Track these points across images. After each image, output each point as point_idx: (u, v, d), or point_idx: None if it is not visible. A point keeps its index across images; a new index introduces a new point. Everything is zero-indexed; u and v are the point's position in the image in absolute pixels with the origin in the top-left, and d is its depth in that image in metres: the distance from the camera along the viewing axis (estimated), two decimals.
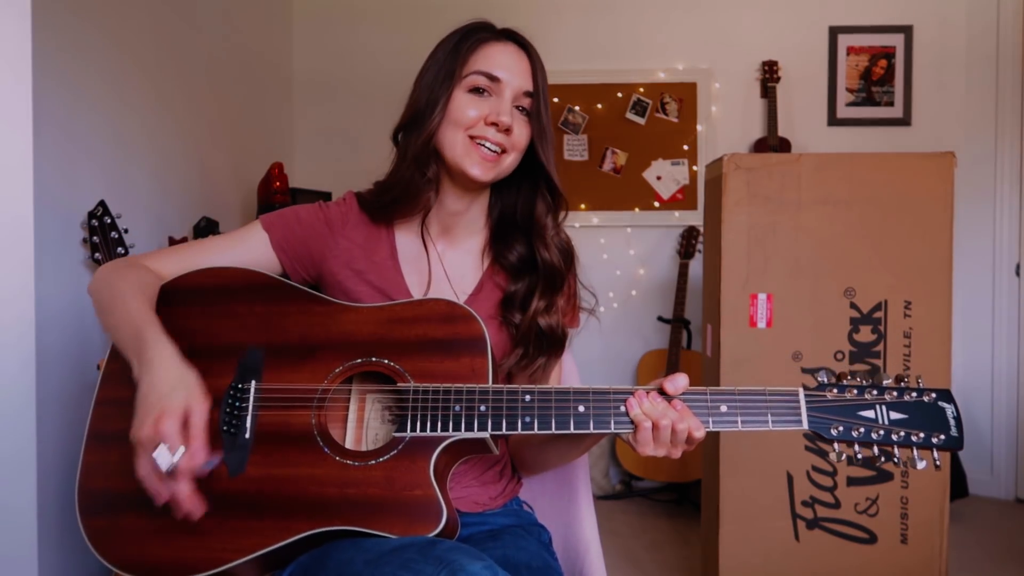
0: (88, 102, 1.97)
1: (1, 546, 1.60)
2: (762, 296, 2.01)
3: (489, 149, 1.12)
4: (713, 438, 2.09)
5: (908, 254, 1.99)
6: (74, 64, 1.90)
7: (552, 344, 1.16)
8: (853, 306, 2.00)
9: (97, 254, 1.86)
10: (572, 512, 1.33)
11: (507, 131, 1.12)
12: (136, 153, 2.21)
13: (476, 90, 1.13)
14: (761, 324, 2.01)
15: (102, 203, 1.89)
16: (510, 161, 1.15)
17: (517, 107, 1.14)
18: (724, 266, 2.02)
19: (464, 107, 1.12)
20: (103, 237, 1.87)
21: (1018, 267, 3.32)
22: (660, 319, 3.44)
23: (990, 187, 3.37)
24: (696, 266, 3.31)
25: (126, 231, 1.91)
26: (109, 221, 1.89)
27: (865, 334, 2.00)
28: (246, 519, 0.99)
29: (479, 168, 1.12)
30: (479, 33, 1.15)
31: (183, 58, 2.51)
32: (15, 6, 1.59)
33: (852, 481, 2.01)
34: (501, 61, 1.13)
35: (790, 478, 2.02)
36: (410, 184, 1.15)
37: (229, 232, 1.23)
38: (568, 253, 1.20)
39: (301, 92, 3.61)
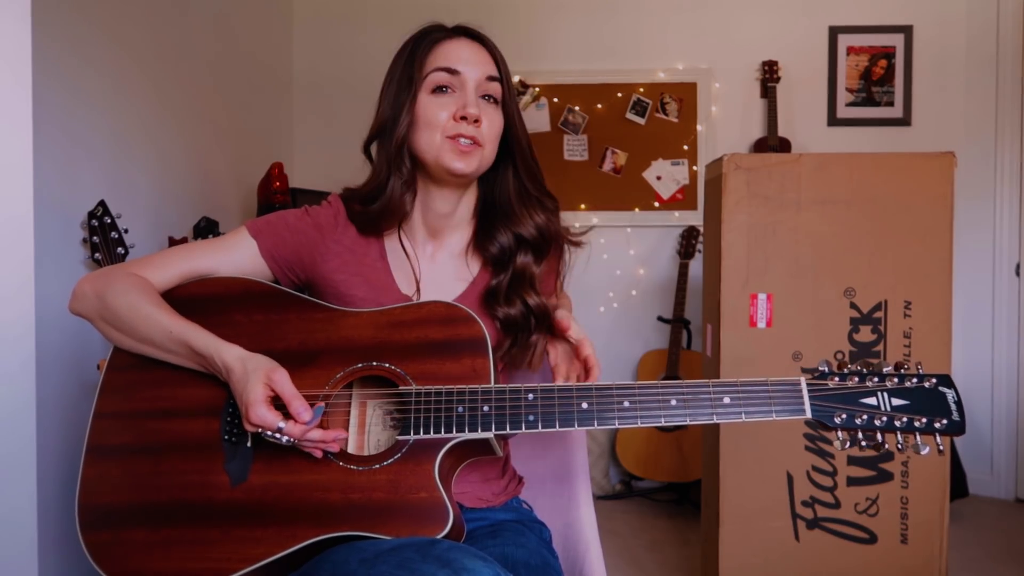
0: (88, 102, 1.97)
1: (0, 547, 1.60)
2: (762, 296, 2.01)
3: (464, 142, 1.11)
4: (713, 439, 2.09)
5: (908, 254, 1.99)
6: (74, 64, 1.90)
7: (542, 321, 1.16)
8: (853, 306, 2.00)
9: (97, 254, 1.86)
10: (572, 512, 1.33)
11: (476, 122, 1.11)
12: (136, 153, 2.21)
13: (439, 88, 1.12)
14: (761, 324, 2.01)
15: (102, 203, 1.89)
16: (488, 151, 1.14)
17: (484, 96, 1.13)
18: (724, 266, 2.02)
19: (432, 108, 1.11)
20: (103, 237, 1.87)
21: (1018, 267, 3.32)
22: (660, 319, 3.44)
23: (990, 187, 3.37)
24: (696, 266, 3.31)
25: (126, 231, 1.91)
26: (109, 221, 1.89)
27: (865, 334, 2.00)
28: (251, 528, 0.99)
29: (461, 162, 1.11)
30: (432, 34, 1.15)
31: (183, 58, 2.51)
32: (15, 6, 1.58)
33: (852, 481, 2.01)
34: (458, 55, 1.13)
35: (790, 478, 2.02)
36: (391, 196, 1.14)
37: (213, 239, 1.20)
38: (547, 231, 1.20)
39: (301, 93, 3.61)
